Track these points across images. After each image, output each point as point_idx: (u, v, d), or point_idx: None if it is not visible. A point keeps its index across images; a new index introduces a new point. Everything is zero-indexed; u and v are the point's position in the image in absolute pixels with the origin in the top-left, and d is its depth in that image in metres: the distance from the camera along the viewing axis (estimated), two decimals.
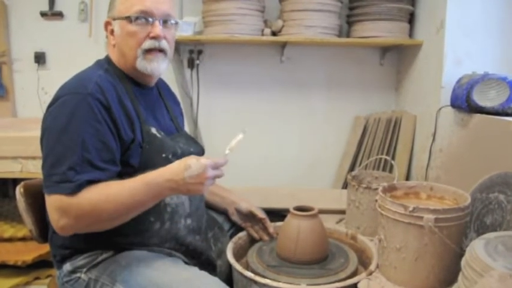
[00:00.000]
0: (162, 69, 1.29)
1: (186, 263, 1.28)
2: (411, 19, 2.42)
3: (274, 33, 2.38)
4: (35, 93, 2.52)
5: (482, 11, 2.05)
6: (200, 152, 1.44)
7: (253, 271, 1.30)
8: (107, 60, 1.31)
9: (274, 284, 1.22)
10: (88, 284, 1.20)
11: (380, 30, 2.30)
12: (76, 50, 2.49)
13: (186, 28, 2.29)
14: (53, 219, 1.10)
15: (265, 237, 1.53)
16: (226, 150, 1.20)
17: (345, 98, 2.67)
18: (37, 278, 2.02)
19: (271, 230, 1.54)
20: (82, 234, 1.15)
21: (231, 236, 1.52)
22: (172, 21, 1.30)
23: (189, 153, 1.39)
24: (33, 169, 1.96)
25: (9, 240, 2.07)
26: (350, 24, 2.47)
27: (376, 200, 1.32)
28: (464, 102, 1.77)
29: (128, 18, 1.23)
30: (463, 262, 1.01)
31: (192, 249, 1.31)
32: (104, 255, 1.21)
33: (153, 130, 1.25)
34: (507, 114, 1.69)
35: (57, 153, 1.09)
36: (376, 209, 1.32)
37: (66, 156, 1.08)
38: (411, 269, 1.23)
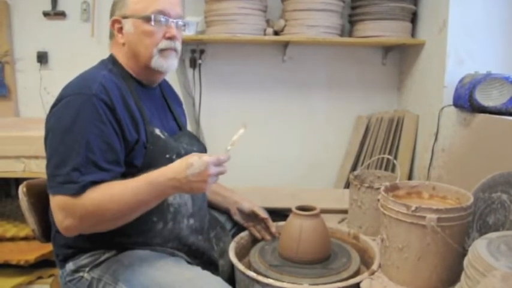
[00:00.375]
0: (174, 66, 1.30)
1: (188, 262, 1.28)
2: (413, 18, 2.41)
3: (276, 33, 2.38)
4: (37, 93, 2.52)
5: (484, 11, 2.05)
6: (203, 150, 1.45)
7: (255, 271, 1.30)
8: (111, 59, 1.30)
9: (277, 283, 1.22)
10: (91, 284, 1.20)
11: (382, 30, 2.30)
12: (78, 49, 2.49)
13: (188, 28, 2.29)
14: (57, 220, 1.10)
15: (268, 237, 1.53)
16: (228, 146, 1.19)
17: (347, 98, 2.67)
18: (40, 278, 2.02)
19: (273, 229, 1.54)
20: (85, 234, 1.15)
21: (233, 236, 1.52)
22: (183, 23, 1.32)
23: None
24: (36, 169, 1.97)
25: (12, 239, 2.07)
26: (352, 23, 2.46)
27: (378, 200, 1.32)
28: (466, 101, 1.77)
29: (145, 18, 1.23)
30: (465, 262, 1.01)
31: (194, 249, 1.31)
32: (107, 255, 1.22)
33: (157, 131, 1.25)
34: (510, 114, 1.69)
35: (61, 154, 1.09)
36: (379, 209, 1.32)
37: (70, 156, 1.08)
38: (413, 268, 1.23)
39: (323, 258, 1.38)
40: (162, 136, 1.26)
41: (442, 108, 2.07)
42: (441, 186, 1.40)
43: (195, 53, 2.55)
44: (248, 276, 1.25)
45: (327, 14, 2.30)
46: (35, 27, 2.50)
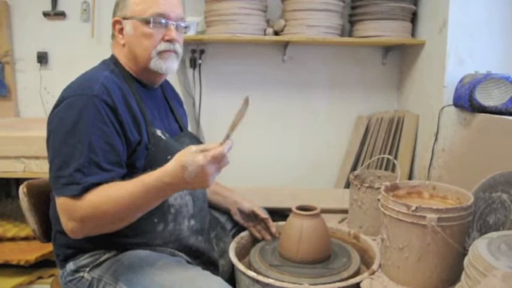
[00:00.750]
0: (174, 68, 1.30)
1: (188, 262, 1.28)
2: (413, 18, 2.41)
3: (276, 33, 2.38)
4: (38, 93, 2.53)
5: (484, 11, 2.05)
6: None
7: (255, 271, 1.30)
8: (113, 60, 1.30)
9: (277, 283, 1.22)
10: (91, 284, 1.20)
11: (382, 30, 2.30)
12: (78, 50, 2.49)
13: (188, 28, 2.29)
14: (63, 222, 1.10)
15: (268, 237, 1.53)
16: (228, 131, 1.04)
17: (347, 98, 2.67)
18: (40, 278, 2.02)
19: (273, 229, 1.53)
20: None
21: (234, 236, 1.52)
22: (184, 25, 1.31)
23: None
24: (36, 169, 1.97)
25: (12, 239, 2.07)
26: (352, 23, 2.46)
27: (379, 200, 1.32)
28: (467, 101, 1.77)
29: (145, 20, 1.22)
30: (466, 262, 1.01)
31: (194, 250, 1.31)
32: (107, 255, 1.22)
33: (158, 132, 1.25)
34: (510, 114, 1.69)
35: (63, 155, 1.09)
36: (379, 209, 1.32)
37: (73, 158, 1.08)
38: (414, 268, 1.23)
39: (323, 258, 1.38)
40: (163, 137, 1.26)
41: (442, 108, 2.07)
42: (441, 186, 1.40)
43: (195, 53, 2.55)
44: (248, 276, 1.25)
45: (327, 14, 2.30)
46: (35, 27, 2.50)
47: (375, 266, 1.33)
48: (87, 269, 1.21)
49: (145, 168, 1.18)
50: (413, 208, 1.18)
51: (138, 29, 1.23)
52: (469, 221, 1.25)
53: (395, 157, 2.44)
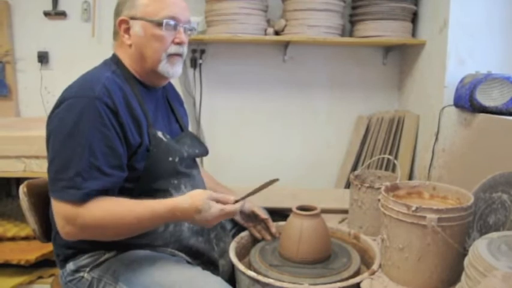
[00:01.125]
0: (179, 73, 1.31)
1: (188, 262, 1.28)
2: (414, 18, 2.41)
3: (276, 33, 2.38)
4: (38, 93, 2.53)
5: (485, 11, 2.05)
6: (204, 153, 1.44)
7: (255, 271, 1.30)
8: (115, 60, 1.28)
9: (277, 283, 1.21)
10: (91, 284, 1.20)
11: (383, 30, 2.30)
12: (79, 49, 2.49)
13: None
14: (58, 225, 1.10)
15: (268, 237, 1.53)
16: (246, 195, 1.23)
17: (348, 98, 2.67)
18: (40, 277, 2.02)
19: (273, 229, 1.53)
20: None
21: (234, 236, 1.52)
22: (190, 28, 1.31)
23: (195, 156, 1.39)
24: (37, 168, 1.97)
25: (13, 239, 2.07)
26: (353, 23, 2.46)
27: (379, 200, 1.32)
28: (467, 101, 1.77)
29: (157, 22, 1.21)
30: (466, 262, 1.01)
31: (194, 251, 1.31)
32: (107, 255, 1.22)
33: (159, 134, 1.24)
34: (510, 114, 1.69)
35: (63, 158, 1.08)
36: (379, 209, 1.31)
37: (73, 161, 1.07)
38: (414, 268, 1.23)
39: (323, 258, 1.38)
40: (164, 139, 1.25)
41: (443, 108, 2.07)
42: (442, 186, 1.40)
43: (195, 53, 2.55)
44: (248, 276, 1.25)
45: (327, 14, 2.30)
46: (35, 27, 2.51)
47: (375, 266, 1.33)
48: (87, 269, 1.21)
49: (146, 170, 1.19)
50: (413, 208, 1.18)
51: (148, 30, 1.22)
52: (469, 221, 1.25)
53: (396, 157, 2.44)
